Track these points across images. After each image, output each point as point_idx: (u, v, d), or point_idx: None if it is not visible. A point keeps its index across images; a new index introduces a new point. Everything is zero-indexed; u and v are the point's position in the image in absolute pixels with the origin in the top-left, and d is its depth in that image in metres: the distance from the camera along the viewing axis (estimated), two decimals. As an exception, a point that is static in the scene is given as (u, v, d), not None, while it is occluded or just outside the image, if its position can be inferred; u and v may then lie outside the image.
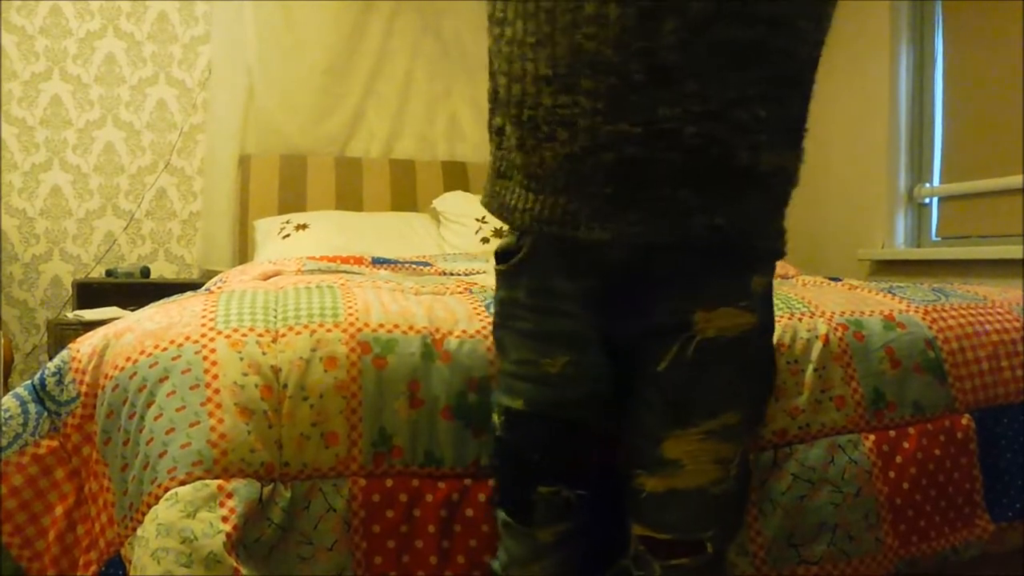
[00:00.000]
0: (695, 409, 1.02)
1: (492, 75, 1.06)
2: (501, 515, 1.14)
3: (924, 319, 1.54)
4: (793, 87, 0.99)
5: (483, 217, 3.08)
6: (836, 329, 1.45)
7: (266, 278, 1.79)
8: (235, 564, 1.03)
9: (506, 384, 1.11)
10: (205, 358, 1.18)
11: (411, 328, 1.27)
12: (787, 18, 0.94)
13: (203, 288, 1.81)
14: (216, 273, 2.81)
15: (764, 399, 1.15)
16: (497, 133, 1.07)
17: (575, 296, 1.05)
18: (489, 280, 1.77)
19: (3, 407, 1.23)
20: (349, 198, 3.41)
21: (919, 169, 3.24)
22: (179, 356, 1.19)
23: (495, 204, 1.09)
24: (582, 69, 0.92)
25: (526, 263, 1.07)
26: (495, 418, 1.13)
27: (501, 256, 1.11)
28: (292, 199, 3.35)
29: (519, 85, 0.98)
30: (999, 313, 1.62)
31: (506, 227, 1.12)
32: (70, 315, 2.91)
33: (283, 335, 1.22)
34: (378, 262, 2.08)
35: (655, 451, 1.03)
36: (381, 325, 1.26)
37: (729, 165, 0.95)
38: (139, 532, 1.08)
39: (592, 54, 0.91)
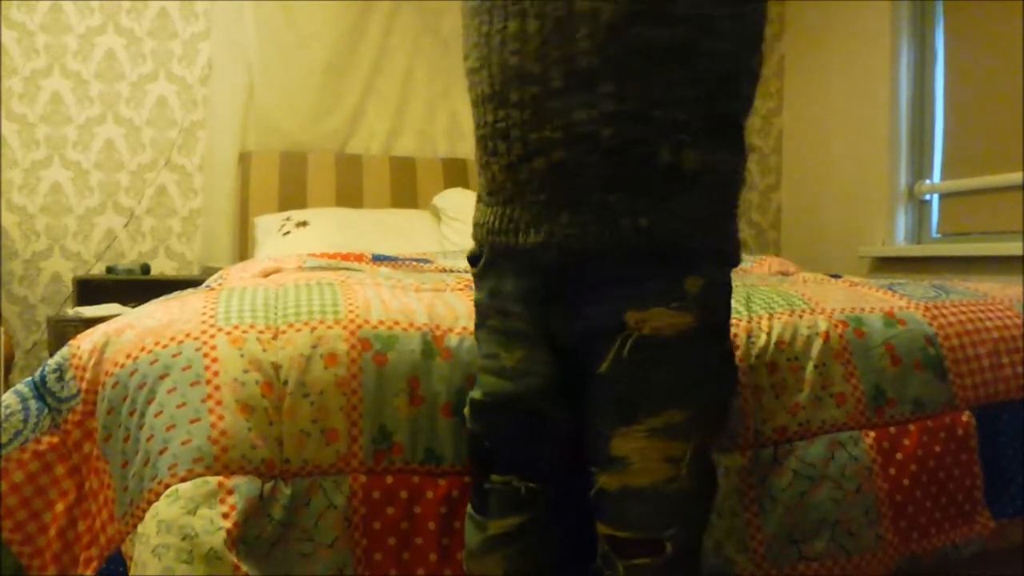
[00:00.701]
0: (638, 407, 1.02)
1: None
2: (468, 506, 1.16)
3: (924, 316, 1.54)
4: (723, 86, 0.99)
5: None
6: (836, 326, 1.45)
7: (266, 275, 1.79)
8: (235, 561, 1.03)
9: (478, 377, 1.15)
10: (206, 355, 1.18)
11: (411, 325, 1.27)
12: (708, 18, 0.95)
13: (203, 285, 1.81)
14: (216, 270, 2.81)
15: (721, 401, 1.13)
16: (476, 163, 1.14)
17: (520, 297, 1.08)
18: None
19: (4, 404, 1.24)
20: (349, 195, 3.41)
21: (920, 166, 3.24)
22: (180, 353, 1.19)
23: (472, 225, 1.16)
24: (511, 83, 0.99)
25: (487, 267, 1.12)
26: (465, 411, 1.15)
27: (470, 260, 1.17)
28: (292, 196, 3.35)
29: (475, 109, 1.07)
30: (1000, 310, 1.62)
31: None
32: (70, 312, 2.91)
33: (283, 332, 1.23)
34: (378, 259, 2.08)
35: (605, 449, 1.04)
36: (381, 322, 1.26)
37: (651, 165, 0.96)
38: (140, 529, 1.08)
39: (517, 68, 0.98)
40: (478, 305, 1.16)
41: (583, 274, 1.02)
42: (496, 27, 0.99)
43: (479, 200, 1.13)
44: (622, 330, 1.00)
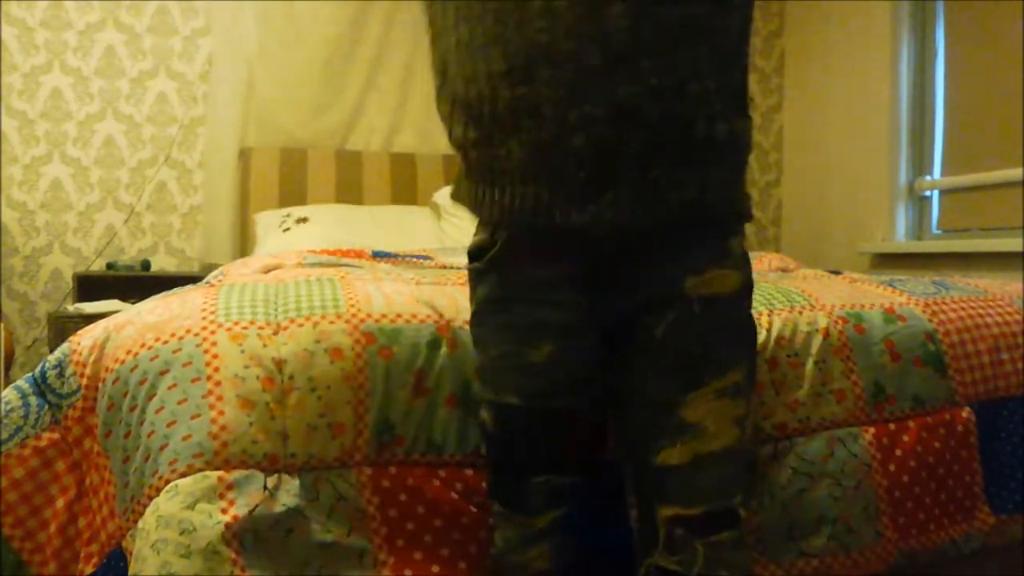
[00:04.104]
0: (704, 369, 1.05)
1: (446, 82, 1.08)
2: (495, 507, 1.14)
3: (924, 312, 1.54)
4: (733, 58, 1.05)
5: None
6: (836, 322, 1.45)
7: (267, 271, 1.79)
8: (233, 555, 1.04)
9: (491, 380, 1.11)
10: (206, 351, 1.18)
11: (414, 317, 1.27)
12: None
13: (203, 281, 1.81)
14: (217, 266, 2.81)
15: (755, 358, 1.17)
16: (451, 138, 1.10)
17: (557, 284, 1.06)
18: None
19: (4, 400, 1.24)
20: (349, 191, 3.40)
21: (920, 162, 3.24)
22: (180, 349, 1.19)
23: (468, 200, 1.11)
24: (538, 61, 0.97)
25: (501, 258, 1.08)
26: (484, 414, 1.13)
27: (475, 254, 1.12)
28: (292, 192, 3.34)
29: (474, 85, 1.02)
30: (999, 306, 1.62)
31: (478, 225, 1.13)
32: (71, 308, 2.91)
33: (285, 328, 1.23)
34: (378, 255, 2.08)
35: (673, 418, 1.04)
36: (384, 315, 1.26)
37: (690, 137, 1.00)
38: (140, 524, 1.08)
39: (546, 46, 0.96)
40: (482, 302, 1.12)
41: (630, 249, 1.04)
42: (513, 4, 0.97)
43: (473, 179, 1.08)
44: (679, 296, 1.04)
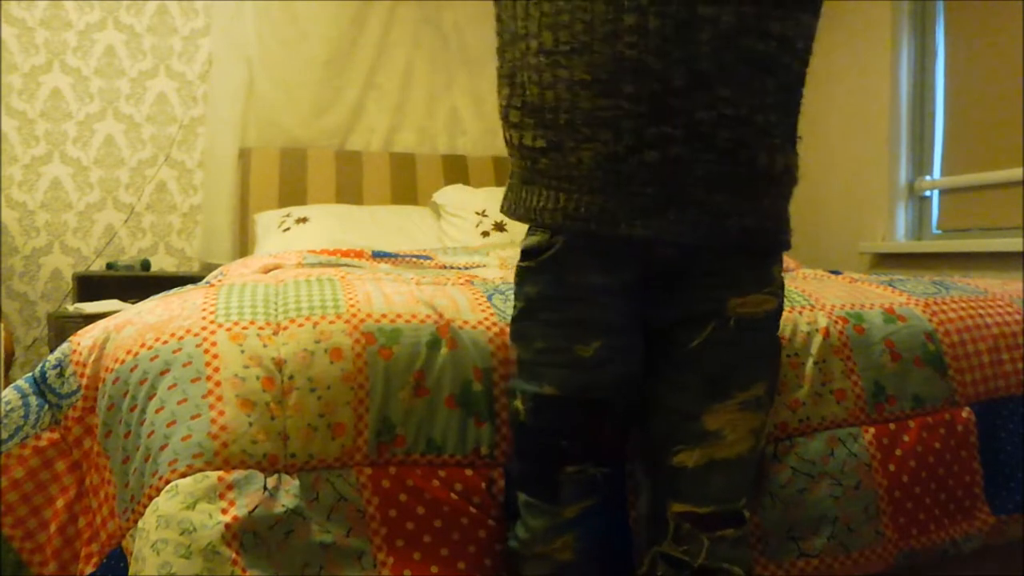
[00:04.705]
0: (731, 382, 1.10)
1: (514, 90, 1.09)
2: (522, 497, 1.16)
3: (924, 312, 1.54)
4: (792, 96, 1.10)
5: (483, 211, 3.08)
6: (836, 322, 1.45)
7: (266, 271, 1.79)
8: (234, 555, 1.04)
9: (531, 372, 1.14)
10: (206, 351, 1.18)
11: (414, 317, 1.27)
12: (789, 37, 1.05)
13: (203, 281, 1.81)
14: (216, 266, 2.81)
15: (778, 375, 1.24)
16: (519, 145, 1.11)
17: (610, 289, 1.10)
18: (489, 273, 1.77)
19: (4, 400, 1.24)
20: (349, 192, 3.40)
21: (920, 162, 3.23)
22: (180, 349, 1.19)
23: (520, 209, 1.13)
24: (624, 75, 1.00)
25: (557, 260, 1.11)
26: (518, 405, 1.15)
27: (528, 253, 1.15)
28: (292, 192, 3.34)
29: (552, 92, 1.04)
30: (999, 306, 1.62)
31: (533, 227, 1.15)
32: (70, 308, 2.91)
33: (285, 328, 1.23)
34: (378, 255, 2.08)
35: (695, 425, 1.10)
36: (384, 316, 1.26)
37: (753, 167, 1.05)
38: (140, 524, 1.08)
39: (634, 61, 0.99)
40: (530, 299, 1.14)
41: (682, 266, 1.09)
42: (605, 16, 0.99)
43: (536, 185, 1.09)
44: (720, 314, 1.10)
